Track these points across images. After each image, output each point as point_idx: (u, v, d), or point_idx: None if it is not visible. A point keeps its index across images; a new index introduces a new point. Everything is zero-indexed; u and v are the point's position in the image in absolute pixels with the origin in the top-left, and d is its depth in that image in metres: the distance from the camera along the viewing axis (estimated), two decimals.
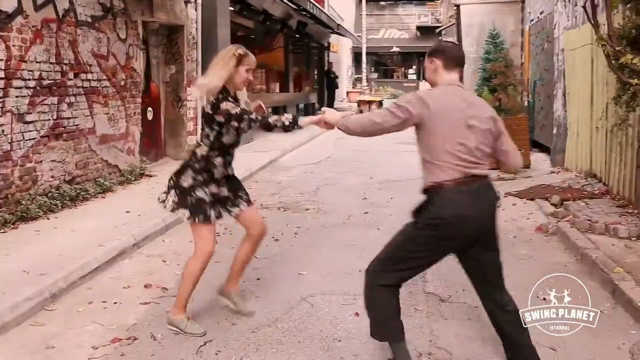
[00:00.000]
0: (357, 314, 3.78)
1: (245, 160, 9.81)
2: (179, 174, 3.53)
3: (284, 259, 4.99)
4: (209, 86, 3.43)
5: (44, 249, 4.82)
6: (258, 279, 4.50)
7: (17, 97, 5.55)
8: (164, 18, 9.02)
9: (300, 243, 5.50)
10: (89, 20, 6.78)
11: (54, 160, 6.21)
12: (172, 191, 3.51)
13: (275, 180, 9.02)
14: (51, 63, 6.05)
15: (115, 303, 4.08)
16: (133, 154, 8.17)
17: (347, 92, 28.45)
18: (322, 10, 16.69)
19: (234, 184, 3.68)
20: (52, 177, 6.20)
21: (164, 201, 3.54)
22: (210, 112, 3.42)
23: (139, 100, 8.37)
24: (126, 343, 3.46)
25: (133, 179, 7.86)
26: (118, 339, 3.50)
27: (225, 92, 3.45)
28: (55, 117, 6.22)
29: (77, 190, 6.48)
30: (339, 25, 19.85)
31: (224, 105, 3.37)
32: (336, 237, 5.70)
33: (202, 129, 3.56)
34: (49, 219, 5.80)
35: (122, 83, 7.75)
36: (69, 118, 6.48)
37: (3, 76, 5.33)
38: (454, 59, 2.98)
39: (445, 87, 2.93)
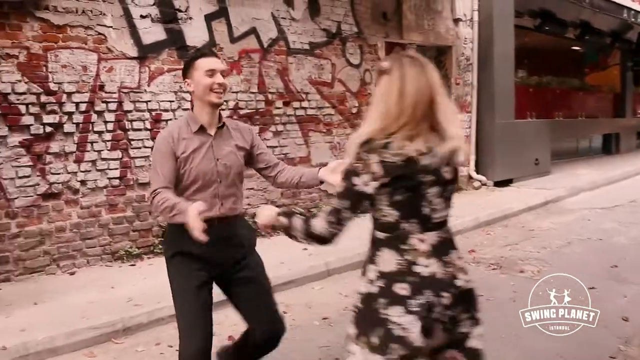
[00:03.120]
0: None
1: (513, 198, 8.45)
2: None
3: None
4: None
5: None
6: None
7: None
8: (420, 39, 8.37)
9: None
10: (306, 47, 6.70)
11: (251, 188, 6.30)
12: None
13: (531, 226, 7.31)
14: (252, 92, 6.16)
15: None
16: None
17: None
18: None
19: None
20: (249, 204, 6.29)
21: None
22: None
23: None
24: None
25: None
26: None
27: None
28: None
29: None
30: None
31: None
32: (507, 318, 4.07)
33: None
34: None
35: (354, 110, 7.43)
36: (275, 147, 6.48)
37: (188, 107, 5.64)
38: None
39: None
